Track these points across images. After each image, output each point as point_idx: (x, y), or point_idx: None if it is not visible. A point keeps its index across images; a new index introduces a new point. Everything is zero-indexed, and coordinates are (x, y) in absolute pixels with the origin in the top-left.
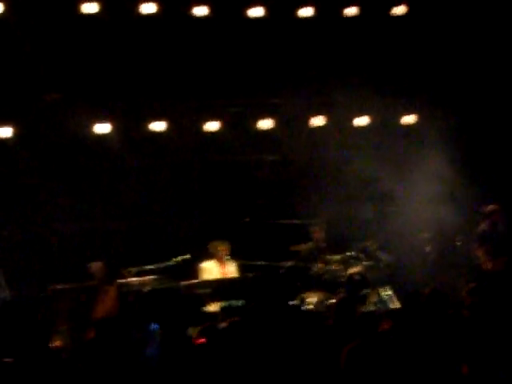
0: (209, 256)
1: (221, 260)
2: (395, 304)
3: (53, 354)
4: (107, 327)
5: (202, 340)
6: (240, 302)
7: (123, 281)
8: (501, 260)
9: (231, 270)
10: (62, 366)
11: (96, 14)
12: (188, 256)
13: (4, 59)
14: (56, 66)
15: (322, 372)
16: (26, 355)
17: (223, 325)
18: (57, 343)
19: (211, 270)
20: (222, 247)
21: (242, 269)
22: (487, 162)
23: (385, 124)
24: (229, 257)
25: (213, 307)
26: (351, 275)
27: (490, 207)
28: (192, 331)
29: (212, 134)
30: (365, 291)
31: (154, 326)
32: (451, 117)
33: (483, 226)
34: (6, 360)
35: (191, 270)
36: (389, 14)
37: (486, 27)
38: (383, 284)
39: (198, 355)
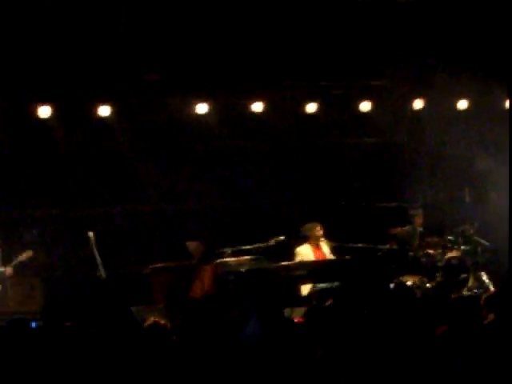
0: (303, 238)
1: (315, 242)
2: (491, 289)
3: (147, 331)
4: (205, 306)
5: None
6: (335, 284)
7: (220, 260)
8: None
9: (326, 252)
10: (158, 344)
11: None
12: (283, 237)
13: (107, 39)
14: (157, 47)
15: (412, 354)
16: (121, 331)
17: (324, 306)
18: (154, 321)
19: (306, 253)
20: (317, 229)
21: (337, 251)
22: None
23: (485, 107)
24: (323, 239)
25: (308, 289)
26: (449, 259)
27: None
28: (288, 312)
29: (312, 115)
30: (463, 276)
31: (250, 306)
32: None
33: None
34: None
35: (286, 251)
36: None
37: None
38: (481, 269)
39: (296, 336)
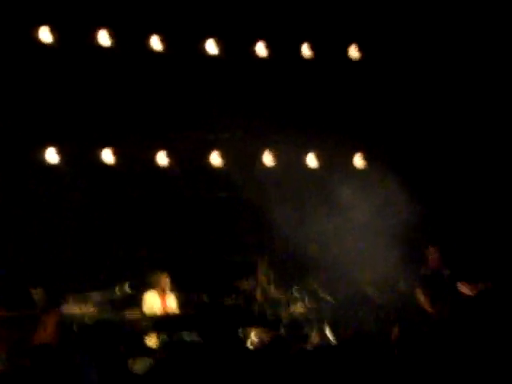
0: (150, 286)
1: (162, 291)
2: (334, 344)
3: None
4: (44, 355)
5: None
6: (181, 336)
7: (64, 310)
8: (440, 305)
9: (171, 302)
10: None
11: (48, 44)
12: (127, 286)
13: None
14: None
15: None
16: None
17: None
18: None
19: (152, 301)
20: (162, 278)
21: (183, 301)
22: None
23: (332, 164)
24: (170, 289)
25: (153, 341)
26: (292, 314)
27: (431, 250)
28: (131, 364)
29: (163, 167)
30: (305, 330)
31: (90, 359)
32: (397, 159)
33: (424, 269)
34: None
35: (133, 299)
36: (343, 57)
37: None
38: (324, 323)
39: None
